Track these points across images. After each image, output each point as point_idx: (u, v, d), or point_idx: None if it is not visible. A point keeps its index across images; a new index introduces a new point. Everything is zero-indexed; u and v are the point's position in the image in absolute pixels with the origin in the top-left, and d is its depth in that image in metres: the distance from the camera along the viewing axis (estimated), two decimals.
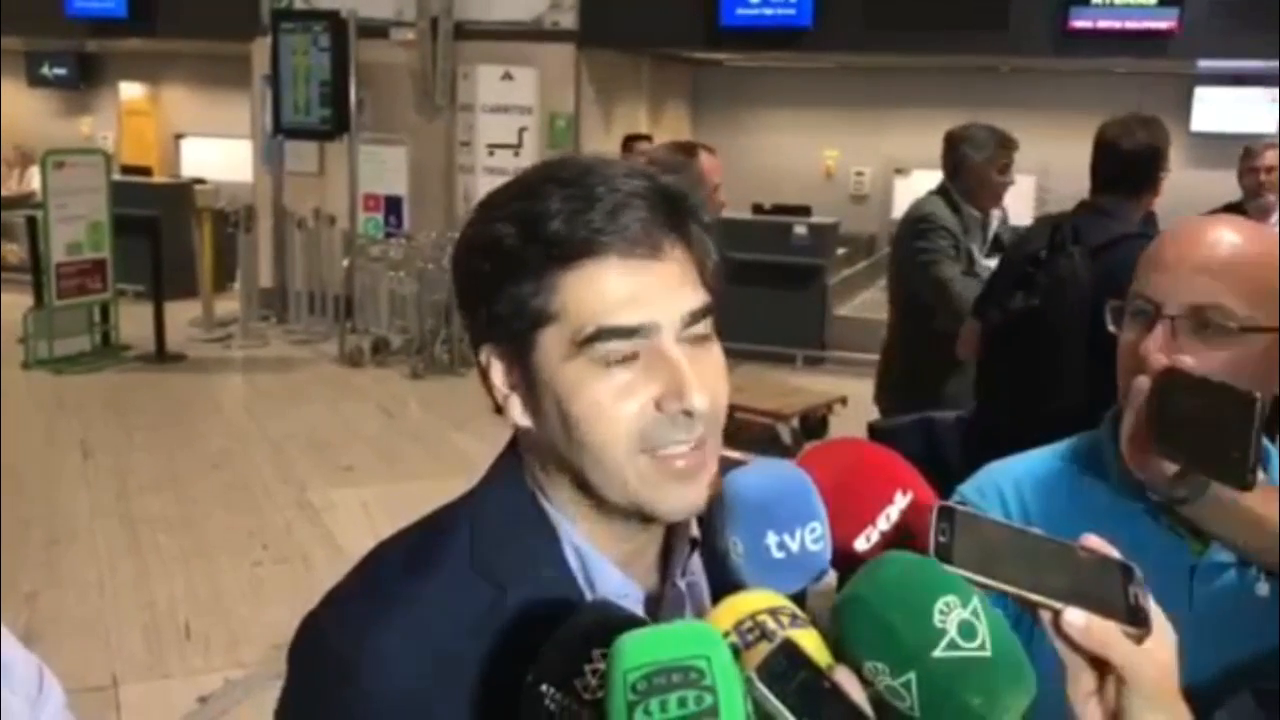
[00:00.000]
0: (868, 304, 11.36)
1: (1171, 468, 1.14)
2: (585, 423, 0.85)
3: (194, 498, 6.03)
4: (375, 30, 10.39)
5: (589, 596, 0.90)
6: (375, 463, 6.78)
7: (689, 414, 0.84)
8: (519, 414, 0.90)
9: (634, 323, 0.84)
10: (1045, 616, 0.76)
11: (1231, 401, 1.06)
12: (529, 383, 0.88)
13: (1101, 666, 0.77)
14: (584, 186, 0.85)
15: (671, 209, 0.87)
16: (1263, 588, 1.25)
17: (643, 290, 0.84)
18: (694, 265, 0.89)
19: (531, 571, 0.89)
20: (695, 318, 0.87)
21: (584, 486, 0.89)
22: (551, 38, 10.38)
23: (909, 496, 0.88)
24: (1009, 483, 1.39)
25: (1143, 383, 1.15)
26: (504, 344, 0.89)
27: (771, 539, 0.82)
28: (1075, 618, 0.75)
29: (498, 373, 0.90)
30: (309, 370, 9.30)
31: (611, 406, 0.85)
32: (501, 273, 0.85)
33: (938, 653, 0.70)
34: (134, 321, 9.34)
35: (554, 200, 0.84)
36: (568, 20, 10.39)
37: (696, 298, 0.87)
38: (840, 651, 0.74)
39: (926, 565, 0.74)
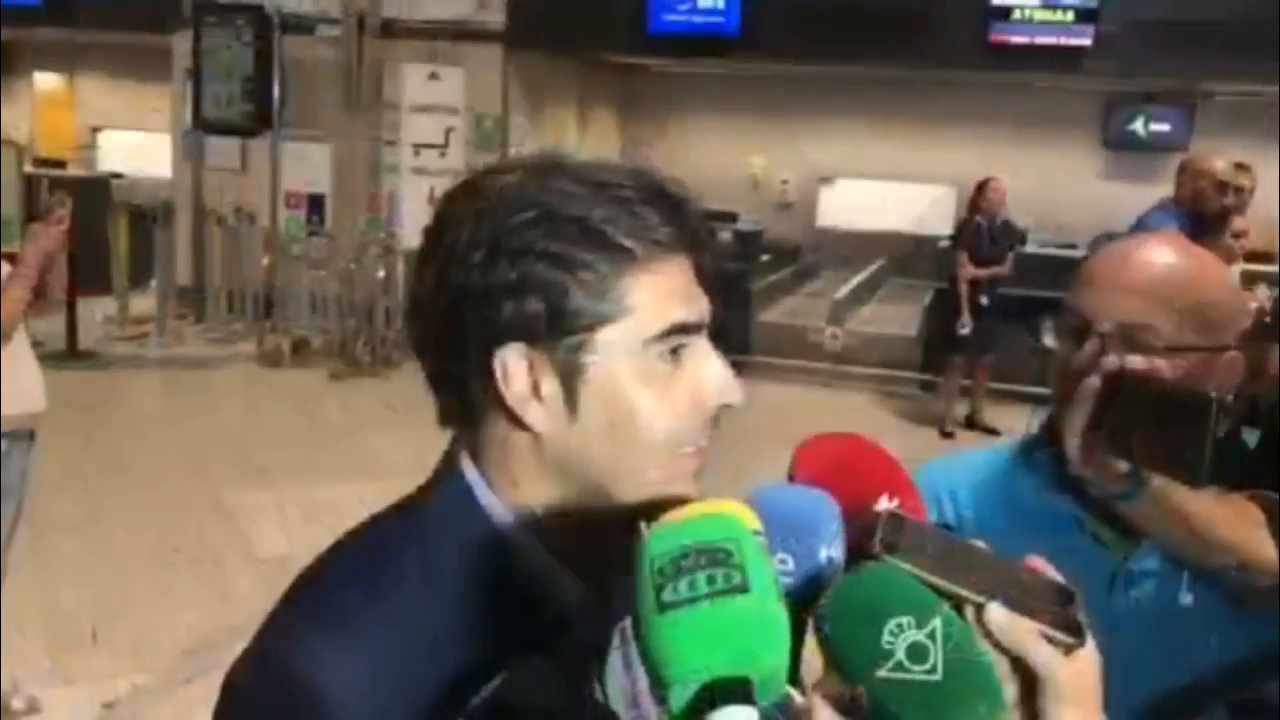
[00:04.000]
0: (791, 310, 11.48)
1: (1123, 466, 1.16)
2: (638, 420, 0.85)
3: (103, 499, 5.89)
4: (300, 26, 10.26)
5: (546, 609, 0.88)
6: (291, 464, 6.67)
7: (726, 408, 0.87)
8: (539, 418, 0.86)
9: (695, 319, 0.86)
10: (970, 613, 0.76)
11: (1186, 401, 1.09)
12: (570, 384, 0.85)
13: (1025, 674, 0.76)
14: (642, 188, 0.86)
15: (699, 213, 0.90)
16: (1186, 597, 1.28)
17: (694, 288, 0.88)
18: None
19: (489, 592, 0.87)
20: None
21: (594, 491, 0.88)
22: (479, 38, 10.33)
23: (894, 504, 0.87)
24: (945, 483, 1.42)
25: (1093, 383, 1.16)
26: (543, 345, 0.85)
27: (823, 552, 0.81)
28: (997, 612, 0.74)
29: (518, 377, 0.86)
30: (226, 370, 9.14)
31: (666, 403, 0.86)
32: (563, 271, 0.83)
33: (881, 673, 0.70)
34: (45, 318, 9.09)
35: (611, 203, 0.84)
36: (495, 21, 10.35)
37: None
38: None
39: (890, 582, 0.73)
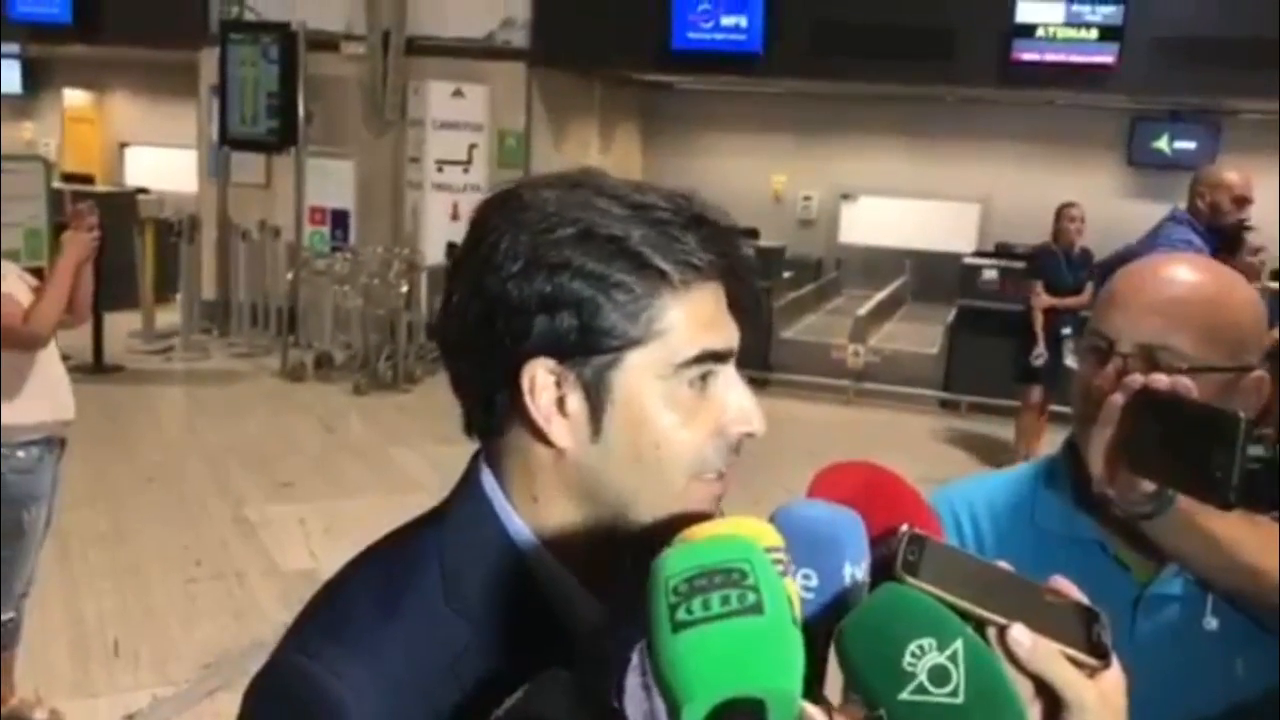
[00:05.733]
0: (813, 327, 11.46)
1: (1148, 485, 1.15)
2: (662, 444, 0.85)
3: (128, 512, 5.92)
4: (325, 43, 10.34)
5: (564, 626, 0.89)
6: (314, 479, 6.70)
7: (746, 436, 0.87)
8: (561, 434, 0.86)
9: (724, 347, 0.87)
10: (992, 634, 0.75)
11: (1214, 420, 1.07)
12: (596, 402, 0.85)
13: (1049, 697, 0.76)
14: (681, 212, 0.86)
15: (738, 240, 0.91)
16: (1211, 622, 1.26)
17: (725, 316, 0.88)
18: None
19: (507, 608, 0.87)
20: None
21: (612, 511, 0.88)
22: (503, 56, 10.39)
23: (914, 529, 0.86)
24: (964, 506, 1.41)
25: (1117, 400, 1.15)
26: (572, 361, 0.85)
27: (847, 570, 0.81)
28: (1020, 634, 0.74)
29: (544, 391, 0.86)
30: (250, 384, 9.19)
31: (689, 429, 0.86)
32: (598, 290, 0.83)
33: (903, 695, 0.69)
34: (71, 331, 9.14)
35: (650, 225, 0.85)
36: (519, 39, 10.41)
37: None
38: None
39: (911, 604, 0.73)
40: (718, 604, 0.66)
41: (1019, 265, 9.11)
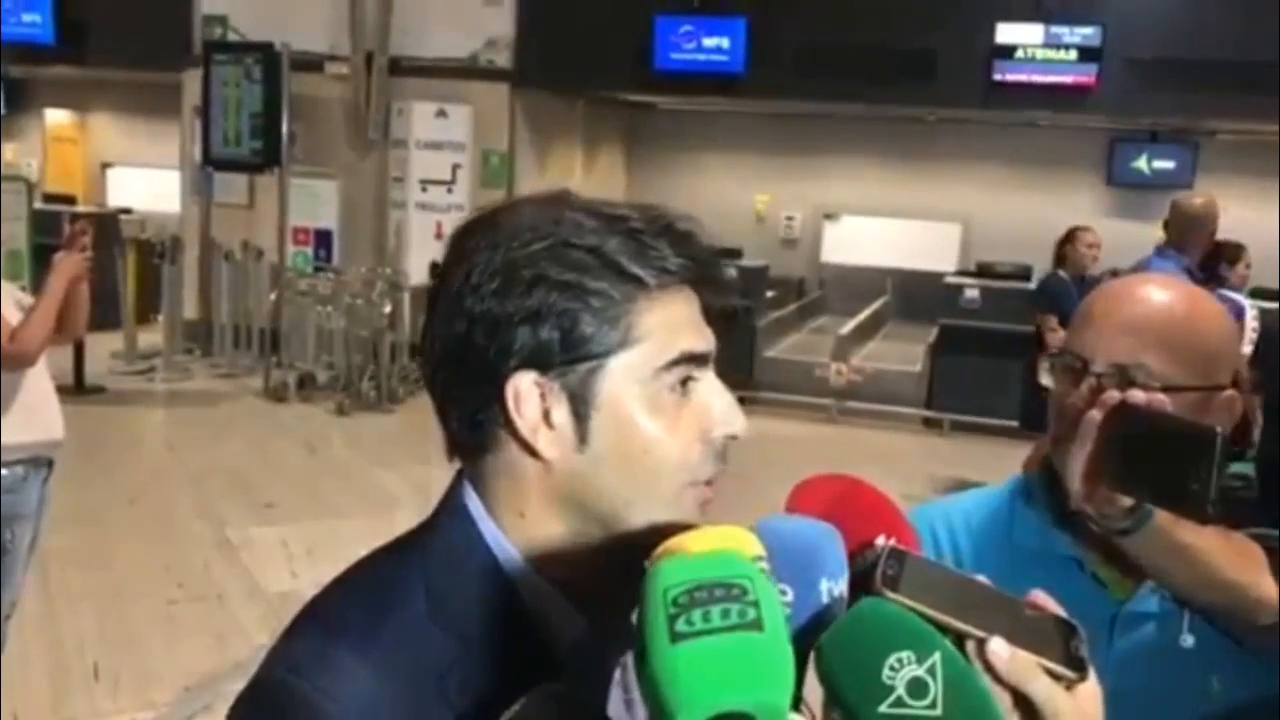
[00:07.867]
0: (796, 346, 11.49)
1: (1125, 501, 1.15)
2: (650, 449, 0.86)
3: (108, 533, 5.89)
4: (309, 64, 10.35)
5: (549, 644, 0.89)
6: (296, 500, 6.67)
7: (731, 438, 0.88)
8: (549, 446, 0.87)
9: (703, 349, 0.88)
10: (971, 647, 0.76)
11: (1190, 435, 1.09)
12: (581, 410, 0.86)
13: (1026, 708, 0.76)
14: (653, 221, 0.88)
15: (708, 247, 0.92)
16: (1187, 639, 1.27)
17: (701, 320, 0.89)
18: None
19: (492, 624, 0.87)
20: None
21: (601, 523, 0.88)
22: (486, 76, 10.42)
23: (891, 542, 0.87)
24: (942, 524, 1.42)
25: (1094, 417, 1.16)
26: (555, 371, 0.86)
27: (824, 585, 0.81)
28: (999, 647, 0.75)
29: (530, 404, 0.86)
30: (232, 405, 9.15)
31: (676, 434, 0.86)
32: (576, 299, 0.85)
33: (882, 708, 0.70)
34: (52, 352, 9.07)
35: (623, 234, 0.86)
36: (503, 59, 10.44)
37: None
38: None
39: (889, 618, 0.73)
40: (718, 617, 0.66)
41: (1000, 284, 9.20)
